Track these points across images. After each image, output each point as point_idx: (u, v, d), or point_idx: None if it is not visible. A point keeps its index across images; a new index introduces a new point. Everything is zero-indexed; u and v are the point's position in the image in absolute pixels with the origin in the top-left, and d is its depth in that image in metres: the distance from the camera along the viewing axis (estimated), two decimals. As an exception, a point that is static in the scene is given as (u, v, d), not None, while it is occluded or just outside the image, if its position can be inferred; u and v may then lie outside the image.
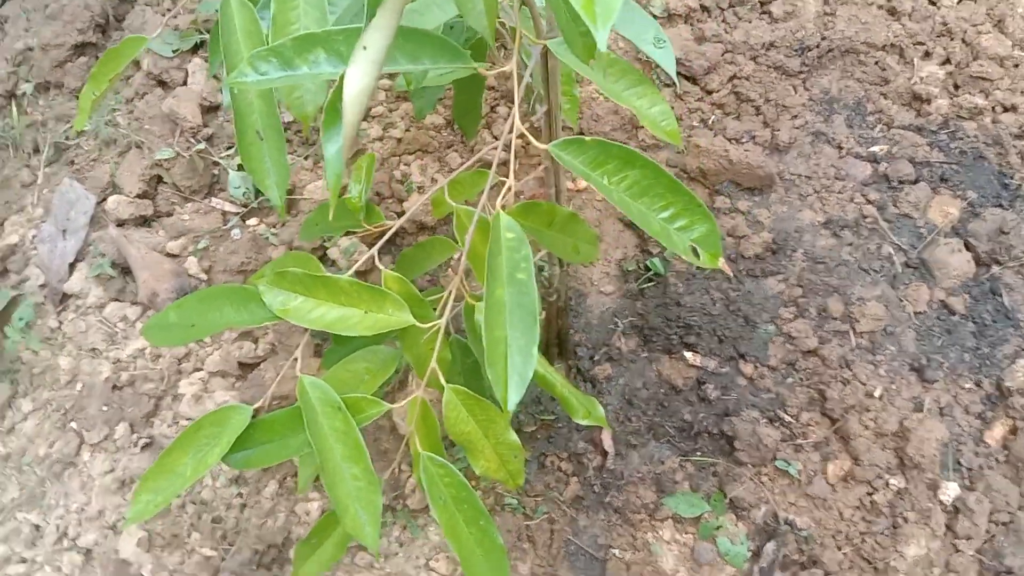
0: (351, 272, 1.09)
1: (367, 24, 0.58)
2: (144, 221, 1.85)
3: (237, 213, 1.85)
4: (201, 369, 1.71)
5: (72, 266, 1.83)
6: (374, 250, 1.10)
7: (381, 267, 1.08)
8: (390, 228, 1.12)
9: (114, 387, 1.69)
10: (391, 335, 1.08)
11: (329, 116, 0.71)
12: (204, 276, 1.78)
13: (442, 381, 1.03)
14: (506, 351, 0.77)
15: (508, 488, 1.51)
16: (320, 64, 0.83)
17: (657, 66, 1.72)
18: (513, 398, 0.76)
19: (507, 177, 1.12)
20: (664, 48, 0.92)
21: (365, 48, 0.58)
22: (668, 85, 1.87)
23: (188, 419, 1.65)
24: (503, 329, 0.78)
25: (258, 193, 1.86)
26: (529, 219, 1.09)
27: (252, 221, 1.84)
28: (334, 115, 0.70)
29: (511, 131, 0.86)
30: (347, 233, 1.55)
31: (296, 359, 1.10)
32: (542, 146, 0.88)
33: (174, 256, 1.80)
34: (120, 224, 1.82)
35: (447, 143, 1.88)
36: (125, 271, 1.80)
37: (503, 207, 0.85)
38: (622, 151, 0.85)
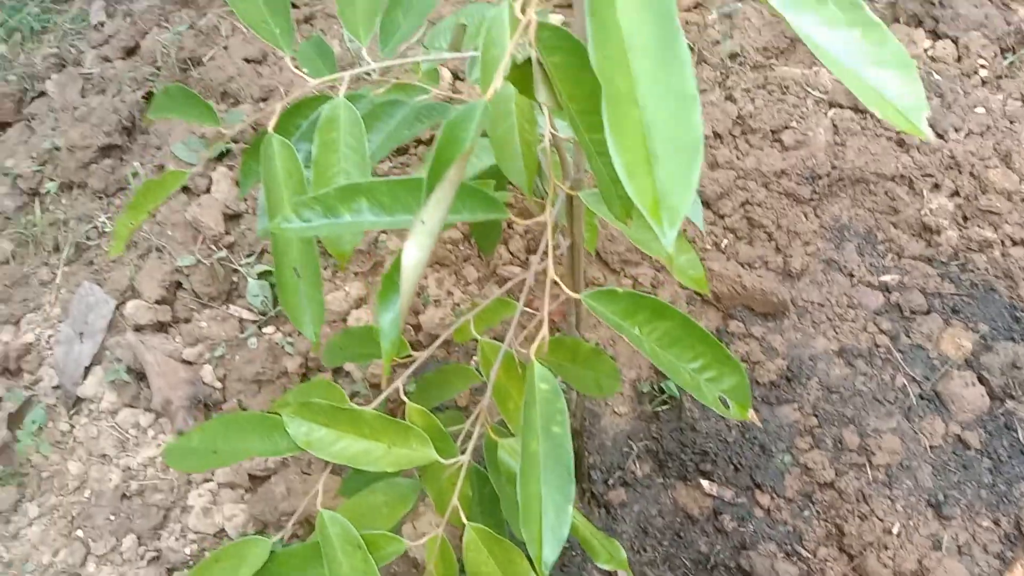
0: (375, 405, 1.10)
1: (425, 198, 0.60)
2: (161, 327, 1.86)
3: (255, 321, 1.86)
4: (211, 480, 1.69)
5: (87, 369, 1.83)
6: (399, 382, 1.11)
7: (406, 400, 1.08)
8: (416, 360, 1.12)
9: (123, 496, 1.67)
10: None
11: (386, 286, 0.72)
12: (219, 385, 1.78)
13: (463, 519, 1.02)
14: (541, 509, 0.77)
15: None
16: (363, 213, 0.85)
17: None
18: (548, 558, 0.76)
19: (530, 308, 1.14)
20: (694, 202, 0.95)
21: (423, 222, 0.60)
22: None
23: (197, 532, 1.62)
24: (537, 485, 0.78)
25: (275, 301, 1.88)
26: (554, 355, 1.10)
27: (269, 329, 1.85)
28: (391, 285, 0.72)
29: (540, 274, 0.87)
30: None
31: (318, 492, 1.09)
32: (574, 295, 0.89)
33: (190, 364, 1.80)
34: (138, 329, 1.83)
35: (464, 256, 1.91)
36: (140, 377, 1.80)
37: (536, 355, 0.85)
38: (653, 303, 0.86)
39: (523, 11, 0.69)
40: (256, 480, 1.69)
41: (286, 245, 0.98)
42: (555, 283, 0.89)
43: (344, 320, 1.80)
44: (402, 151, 2.04)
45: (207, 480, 1.70)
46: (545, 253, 0.97)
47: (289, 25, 1.04)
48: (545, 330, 0.88)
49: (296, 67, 1.18)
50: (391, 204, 0.84)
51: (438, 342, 1.12)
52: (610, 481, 1.63)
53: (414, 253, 0.60)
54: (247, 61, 2.18)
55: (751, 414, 0.89)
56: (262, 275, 1.90)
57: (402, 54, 1.26)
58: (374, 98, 1.18)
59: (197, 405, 1.75)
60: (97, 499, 1.68)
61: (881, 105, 0.52)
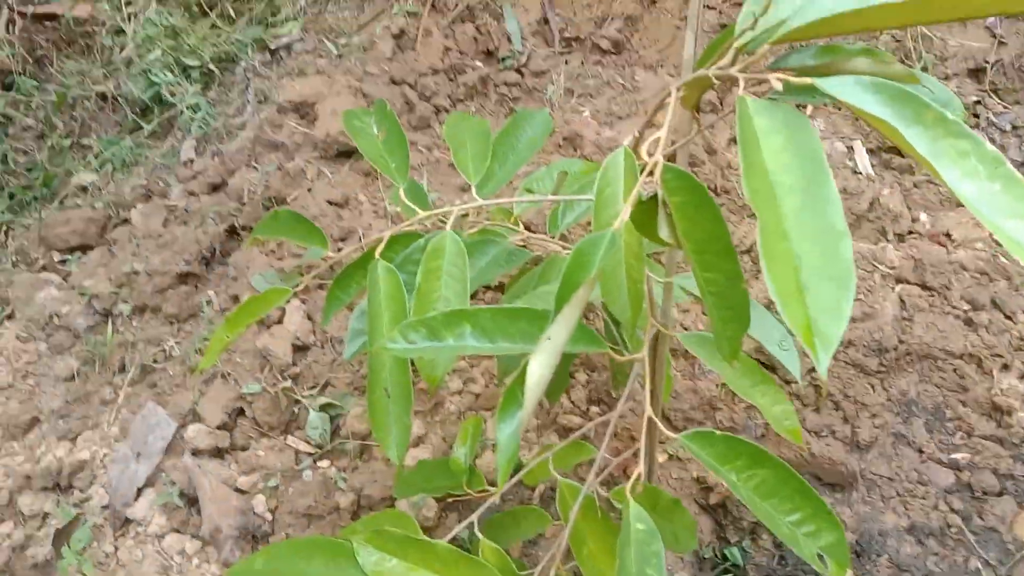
0: (449, 537, 1.08)
1: (553, 317, 0.62)
2: (219, 452, 1.86)
3: (311, 454, 1.85)
4: (252, 615, 1.64)
5: (140, 491, 1.82)
6: (475, 516, 1.09)
7: (481, 536, 1.06)
8: (491, 496, 1.11)
9: (161, 625, 1.63)
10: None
11: (507, 400, 0.73)
12: (269, 516, 1.76)
13: (534, 670, 0.98)
14: (635, 654, 0.74)
15: None
16: (465, 338, 0.87)
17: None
18: None
19: (611, 454, 1.13)
20: (789, 351, 0.96)
21: (549, 339, 0.61)
22: (788, 382, 1.90)
23: (232, 670, 1.56)
24: (634, 629, 0.75)
25: (334, 435, 1.88)
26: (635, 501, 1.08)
27: (324, 463, 1.84)
28: (512, 400, 0.73)
29: (621, 407, 0.87)
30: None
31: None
32: (674, 435, 0.89)
33: (243, 492, 1.79)
34: (195, 453, 1.84)
35: (524, 405, 1.90)
36: (192, 502, 1.79)
37: (630, 494, 0.84)
38: (751, 448, 0.85)
39: (650, 153, 0.73)
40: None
41: (381, 366, 0.99)
42: (652, 420, 0.89)
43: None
44: (472, 295, 2.08)
45: (248, 615, 1.65)
46: (635, 393, 0.98)
47: (406, 162, 1.10)
48: (642, 466, 0.87)
49: (390, 205, 1.23)
50: (494, 330, 0.86)
51: (516, 477, 1.11)
52: (667, 649, 1.55)
53: (538, 370, 0.61)
54: (329, 203, 2.28)
55: (850, 574, 0.86)
56: (323, 407, 1.91)
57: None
58: (468, 237, 1.23)
59: (246, 536, 1.73)
60: (135, 625, 1.64)
61: (1020, 252, 0.54)
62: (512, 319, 0.86)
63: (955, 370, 1.87)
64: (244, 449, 1.87)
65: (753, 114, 0.59)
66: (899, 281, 2.02)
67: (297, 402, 1.92)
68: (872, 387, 1.86)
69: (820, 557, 0.85)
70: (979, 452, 1.75)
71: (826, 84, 0.56)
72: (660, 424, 0.91)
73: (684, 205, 0.71)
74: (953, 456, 1.75)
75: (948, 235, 2.15)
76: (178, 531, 1.77)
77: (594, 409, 1.90)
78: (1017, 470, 1.71)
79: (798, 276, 0.50)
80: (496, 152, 1.30)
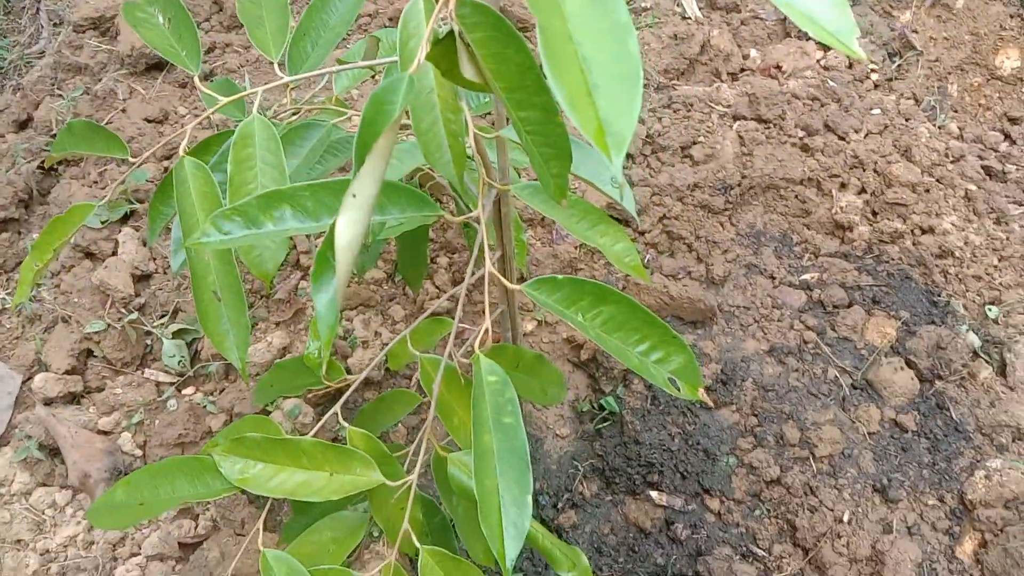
0: (313, 432, 1.05)
1: (355, 171, 0.58)
2: (73, 398, 1.75)
3: (172, 383, 1.77)
4: (138, 554, 1.59)
5: (-6, 451, 1.71)
6: (337, 406, 1.06)
7: (346, 424, 1.03)
8: (351, 384, 1.08)
9: (42, 581, 1.55)
10: (356, 499, 1.03)
11: (319, 266, 0.69)
12: (139, 452, 1.69)
13: (416, 544, 0.97)
14: (499, 502, 0.73)
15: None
16: (286, 221, 0.81)
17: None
18: (511, 552, 0.72)
19: (465, 324, 1.11)
20: (622, 189, 0.94)
21: (355, 196, 0.57)
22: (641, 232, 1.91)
23: (126, 610, 1.51)
24: (493, 478, 0.74)
25: (194, 361, 1.80)
26: (497, 361, 1.07)
27: (188, 390, 1.77)
28: (325, 264, 0.68)
29: (472, 276, 0.85)
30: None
31: (258, 530, 1.03)
32: (515, 287, 0.87)
33: (106, 433, 1.70)
34: (48, 403, 1.73)
35: (388, 296, 1.87)
36: (53, 453, 1.69)
37: (480, 350, 0.83)
38: (595, 287, 0.85)
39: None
40: (187, 548, 1.59)
41: (204, 268, 0.93)
42: (493, 276, 0.87)
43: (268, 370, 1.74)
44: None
45: (133, 554, 1.60)
46: (480, 257, 0.95)
47: (196, 47, 1.01)
48: (488, 322, 0.85)
49: (203, 96, 1.14)
50: (316, 208, 0.81)
51: (374, 362, 1.08)
52: (559, 505, 1.59)
53: (347, 229, 0.57)
54: (148, 121, 2.12)
55: (702, 393, 0.88)
56: (177, 334, 1.82)
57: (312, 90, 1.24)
58: (286, 125, 1.15)
59: (117, 476, 1.65)
60: (14, 588, 1.56)
61: (815, 28, 0.53)
62: (335, 193, 0.81)
63: (797, 196, 1.94)
64: (100, 390, 1.77)
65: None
66: (736, 118, 2.05)
67: (148, 333, 1.83)
68: (721, 224, 1.91)
69: (672, 382, 0.87)
70: (826, 270, 1.83)
71: None
72: (501, 277, 0.89)
73: (487, 41, 0.67)
74: (803, 277, 1.83)
75: (779, 67, 2.19)
76: (44, 484, 1.67)
77: (466, 271, 1.88)
78: (863, 281, 1.80)
79: (587, 78, 0.47)
80: (307, 31, 1.21)
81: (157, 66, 2.24)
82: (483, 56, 0.68)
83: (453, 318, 1.17)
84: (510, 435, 0.75)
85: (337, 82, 1.29)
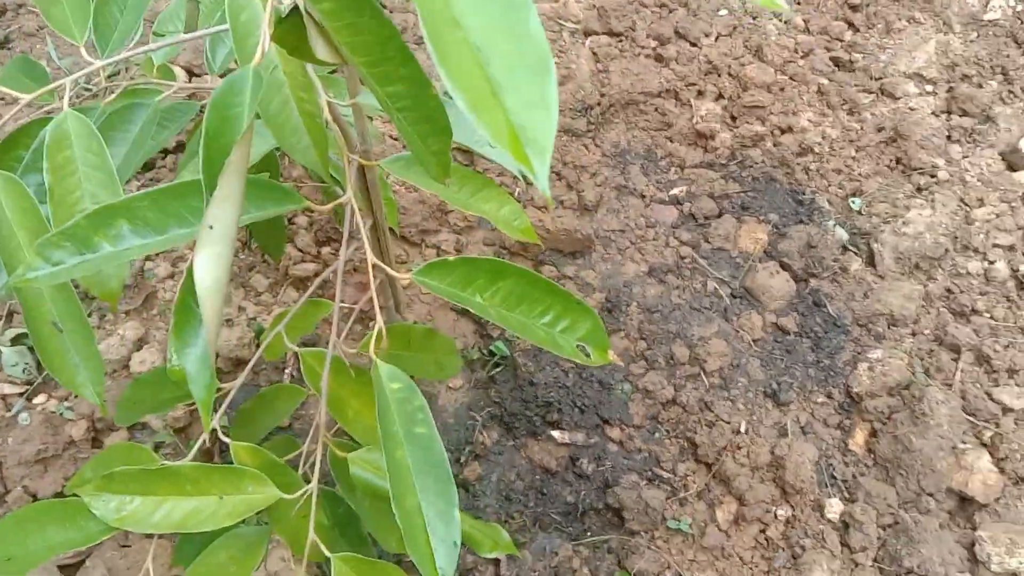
0: (192, 455, 0.95)
1: (207, 198, 0.48)
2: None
3: (21, 393, 1.60)
4: (14, 585, 1.45)
5: None
6: (215, 421, 0.96)
7: (228, 440, 0.94)
8: (227, 392, 0.98)
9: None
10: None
11: (180, 317, 0.59)
12: (-6, 476, 1.53)
13: (326, 553, 0.90)
14: (424, 522, 0.67)
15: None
16: (125, 238, 0.70)
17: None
18: (447, 570, 0.66)
19: (355, 292, 1.02)
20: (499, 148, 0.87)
21: (211, 227, 0.48)
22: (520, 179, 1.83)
23: (11, 651, 1.38)
24: (414, 497, 0.68)
25: (40, 366, 1.63)
26: (392, 345, 0.99)
27: (40, 399, 1.60)
28: (187, 315, 0.58)
29: (344, 259, 0.77)
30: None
31: (148, 570, 0.93)
32: (403, 276, 0.79)
33: (-48, 460, 1.53)
34: None
35: (248, 266, 1.74)
36: None
37: (377, 353, 0.75)
38: (490, 264, 0.78)
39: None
40: (68, 569, 1.47)
41: (37, 299, 0.80)
42: (375, 266, 0.78)
43: (127, 367, 1.59)
44: (148, 166, 1.82)
45: (10, 585, 1.46)
46: (352, 236, 0.86)
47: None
48: (380, 320, 0.78)
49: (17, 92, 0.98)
50: (159, 220, 0.70)
51: (250, 364, 0.99)
52: (462, 459, 1.55)
53: (210, 268, 0.48)
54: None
55: (612, 355, 0.84)
56: (16, 340, 1.64)
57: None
58: (105, 108, 1.01)
59: (-25, 506, 1.49)
60: None
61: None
62: (179, 198, 0.70)
63: (656, 109, 1.91)
64: (-64, 413, 1.58)
65: None
66: (587, 34, 1.99)
67: (-17, 342, 1.64)
68: (586, 147, 1.86)
69: (582, 349, 0.82)
70: (694, 181, 1.82)
71: None
72: (388, 269, 0.81)
73: (338, 11, 0.57)
74: (672, 192, 1.81)
75: (621, -25, 2.12)
76: None
77: (326, 250, 1.76)
78: (730, 188, 1.81)
79: (486, 73, 0.39)
80: (111, -5, 1.06)
81: (-61, 36, 1.97)
82: (336, 29, 0.58)
83: (327, 296, 1.08)
84: (425, 446, 0.69)
85: (156, 54, 1.14)
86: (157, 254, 1.74)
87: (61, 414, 1.56)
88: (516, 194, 1.80)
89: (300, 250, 1.73)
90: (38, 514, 0.91)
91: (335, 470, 0.97)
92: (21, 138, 0.97)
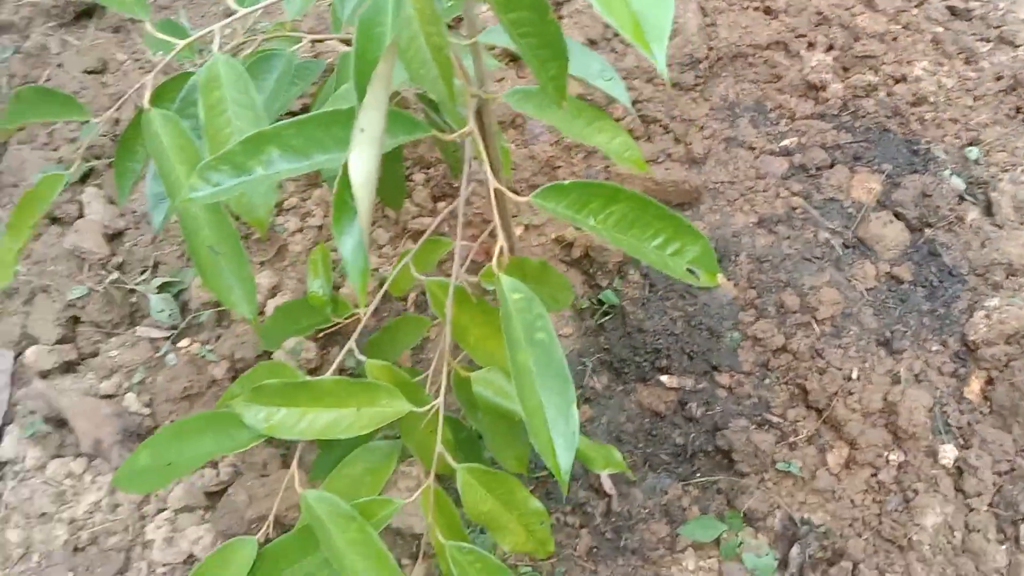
0: (333, 370, 1.03)
1: (359, 103, 0.55)
2: (69, 367, 1.73)
3: (167, 337, 1.75)
4: (165, 508, 1.59)
5: (1, 430, 1.69)
6: (351, 343, 1.05)
7: (363, 358, 1.02)
8: (361, 318, 1.06)
9: (75, 549, 1.56)
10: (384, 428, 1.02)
11: (339, 210, 0.66)
12: (147, 411, 1.67)
13: (453, 464, 0.98)
14: (545, 416, 0.73)
15: (531, 557, 1.45)
16: (275, 163, 0.78)
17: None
18: (564, 464, 0.72)
19: (469, 241, 1.09)
20: (613, 80, 0.91)
21: (363, 130, 0.54)
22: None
23: (165, 565, 1.53)
24: (536, 396, 0.74)
25: (184, 312, 1.77)
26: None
27: (184, 343, 1.74)
28: (344, 208, 0.65)
29: (467, 191, 0.83)
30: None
31: (292, 473, 1.03)
32: (522, 199, 0.85)
33: (111, 397, 1.68)
34: (44, 375, 1.70)
35: (371, 220, 1.83)
36: (61, 423, 1.67)
37: (499, 268, 0.81)
38: (604, 188, 0.83)
39: None
40: (213, 496, 1.60)
41: (195, 224, 0.89)
42: (498, 191, 0.84)
43: (262, 312, 1.71)
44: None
45: (161, 510, 1.60)
46: (471, 178, 0.92)
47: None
48: (502, 239, 0.84)
49: (155, 55, 1.08)
50: (305, 146, 0.78)
51: (381, 292, 1.07)
52: (573, 402, 1.60)
53: (362, 166, 0.55)
54: (88, 73, 2.03)
55: (721, 278, 0.87)
56: (162, 288, 1.78)
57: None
58: (245, 59, 1.10)
59: (131, 436, 1.64)
60: (48, 560, 1.56)
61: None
62: (323, 127, 0.77)
63: (766, 61, 1.90)
64: (95, 356, 1.74)
65: None
66: (695, -12, 1.99)
67: (132, 291, 1.79)
68: (694, 101, 1.87)
69: (691, 271, 0.86)
70: (804, 133, 1.81)
71: None
72: (507, 192, 0.87)
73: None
74: (783, 143, 1.81)
75: (730, -71, 2.12)
76: (58, 456, 1.66)
77: (441, 205, 1.85)
78: (842, 138, 1.79)
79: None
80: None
81: (86, 13, 2.13)
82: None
83: (446, 236, 1.14)
84: (546, 351, 0.75)
85: (289, 5, 1.23)
86: (287, 210, 1.86)
87: (204, 356, 1.70)
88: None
89: (417, 204, 1.81)
90: (195, 424, 1.02)
91: (458, 391, 1.04)
92: (168, 90, 1.07)
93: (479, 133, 1.11)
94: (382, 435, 1.10)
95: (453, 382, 1.03)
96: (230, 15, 1.02)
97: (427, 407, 0.96)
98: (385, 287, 1.13)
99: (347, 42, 1.21)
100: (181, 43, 0.93)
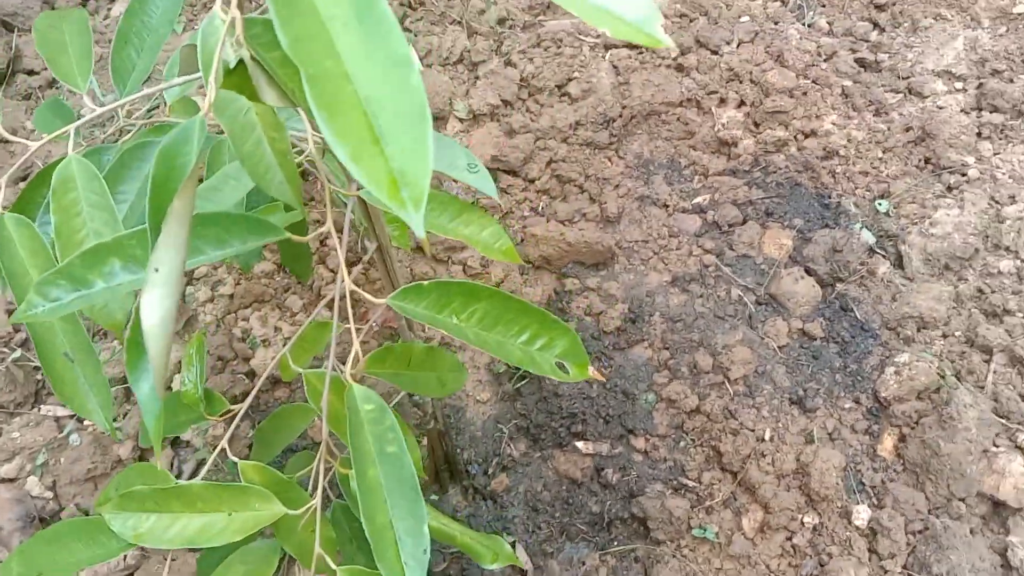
0: (202, 475, 1.00)
1: (152, 241, 0.52)
2: (-32, 451, 1.66)
3: (72, 415, 1.69)
4: (68, 599, 1.53)
5: None
6: (223, 442, 1.02)
7: (235, 459, 0.99)
8: (236, 413, 1.03)
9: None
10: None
11: (131, 352, 0.63)
12: (50, 494, 1.62)
13: (332, 566, 0.94)
14: (394, 537, 0.71)
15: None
16: (116, 275, 0.75)
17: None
18: (417, 584, 0.70)
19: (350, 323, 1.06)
20: (479, 172, 0.90)
21: (157, 270, 0.52)
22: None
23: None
24: (385, 514, 0.71)
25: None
26: (385, 366, 1.03)
27: (89, 421, 1.69)
28: (137, 351, 0.63)
29: (341, 295, 0.81)
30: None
31: (169, 581, 0.99)
32: (379, 301, 0.83)
33: (12, 480, 1.62)
34: (-59, 462, 1.64)
35: (283, 287, 1.81)
36: (-43, 512, 1.61)
37: (353, 376, 0.79)
38: (463, 287, 0.81)
39: (225, 6, 0.62)
40: (119, 582, 1.54)
41: (47, 332, 0.86)
42: (354, 293, 0.82)
43: (170, 388, 1.67)
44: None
45: (65, 599, 1.54)
46: (358, 261, 0.90)
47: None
48: (356, 346, 0.81)
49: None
50: (146, 256, 0.75)
51: (255, 389, 1.04)
52: (489, 471, 1.58)
53: (155, 308, 0.52)
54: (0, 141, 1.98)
55: (592, 371, 0.86)
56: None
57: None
58: (121, 147, 1.07)
59: (31, 522, 1.58)
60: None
61: (612, 23, 0.49)
62: (166, 235, 0.75)
63: (678, 118, 1.92)
64: (-3, 437, 1.68)
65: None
66: (608, 48, 2.01)
67: (36, 368, 1.73)
68: (609, 160, 1.88)
69: (560, 366, 0.84)
70: (717, 189, 1.82)
71: None
72: (364, 295, 0.85)
73: (287, 59, 0.61)
74: (695, 201, 1.82)
75: (643, -14, 2.14)
76: (-46, 547, 1.59)
77: (357, 269, 1.82)
78: (754, 194, 1.80)
79: (371, 123, 0.43)
80: (127, 37, 1.13)
81: (-4, 80, 2.09)
82: (286, 77, 0.62)
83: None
84: (396, 465, 0.72)
85: (168, 93, 1.20)
86: (197, 279, 1.82)
87: (109, 434, 1.65)
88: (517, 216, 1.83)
89: (332, 270, 1.79)
90: (64, 533, 0.97)
91: (343, 485, 1.01)
92: (41, 182, 1.04)
93: (364, 213, 1.10)
94: (266, 534, 1.06)
95: (337, 477, 1.00)
96: (102, 107, 0.99)
97: (304, 508, 0.93)
98: (266, 373, 1.09)
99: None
100: (34, 145, 0.90)
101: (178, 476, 1.64)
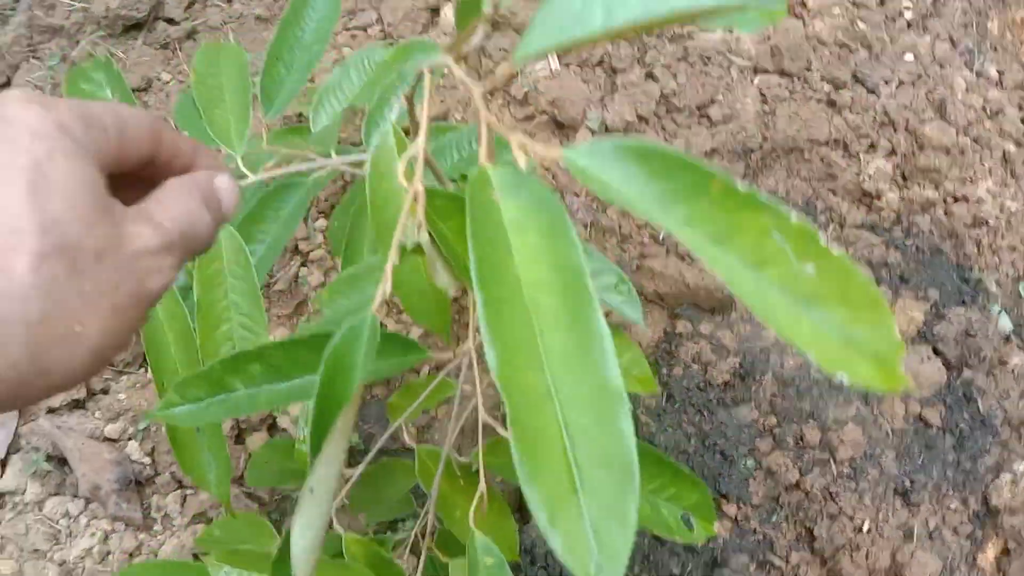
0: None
1: (311, 460, 0.50)
2: (77, 404, 1.72)
3: (177, 383, 1.73)
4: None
5: (4, 460, 1.70)
6: (336, 500, 1.02)
7: (340, 530, 0.99)
8: (350, 478, 1.03)
9: (63, 597, 1.57)
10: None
11: (277, 572, 0.62)
12: (148, 460, 1.67)
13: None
14: None
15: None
16: (257, 382, 0.75)
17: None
18: None
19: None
20: (628, 296, 0.85)
21: (312, 491, 0.50)
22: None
23: (147, 629, 1.53)
24: None
25: (197, 356, 1.75)
26: (498, 458, 1.01)
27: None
28: (284, 570, 0.62)
29: (457, 423, 0.78)
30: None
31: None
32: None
33: (113, 441, 1.68)
34: (51, 411, 1.70)
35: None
36: (63, 462, 1.68)
37: (475, 521, 0.77)
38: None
39: (407, 177, 0.58)
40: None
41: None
42: (486, 425, 0.80)
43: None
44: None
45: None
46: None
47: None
48: (483, 484, 0.79)
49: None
50: (287, 367, 0.74)
51: (369, 455, 1.03)
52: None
53: (306, 533, 0.50)
54: (134, 91, 2.00)
55: (716, 527, 0.82)
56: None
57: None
58: (257, 189, 1.06)
59: (128, 486, 1.64)
60: (36, 602, 1.58)
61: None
62: (311, 351, 0.73)
63: (822, 159, 1.81)
64: (104, 392, 1.74)
65: (499, 191, 0.45)
66: (757, 72, 1.90)
67: (148, 331, 1.77)
68: (741, 195, 1.79)
69: (685, 519, 0.81)
70: (853, 244, 1.73)
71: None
72: (498, 427, 0.82)
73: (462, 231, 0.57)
74: (826, 253, 1.73)
75: (803, 3, 2.01)
76: (57, 494, 1.67)
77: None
78: (891, 256, 1.71)
79: (571, 468, 0.39)
80: (279, 53, 1.10)
81: (136, 26, 2.09)
82: (461, 249, 0.59)
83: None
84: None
85: (315, 121, 1.17)
86: (312, 261, 1.83)
87: (209, 410, 1.68)
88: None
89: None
90: (170, 572, 1.00)
91: (439, 569, 1.00)
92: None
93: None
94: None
95: (433, 564, 1.00)
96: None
97: (401, 596, 0.93)
98: (382, 441, 1.09)
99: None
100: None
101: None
